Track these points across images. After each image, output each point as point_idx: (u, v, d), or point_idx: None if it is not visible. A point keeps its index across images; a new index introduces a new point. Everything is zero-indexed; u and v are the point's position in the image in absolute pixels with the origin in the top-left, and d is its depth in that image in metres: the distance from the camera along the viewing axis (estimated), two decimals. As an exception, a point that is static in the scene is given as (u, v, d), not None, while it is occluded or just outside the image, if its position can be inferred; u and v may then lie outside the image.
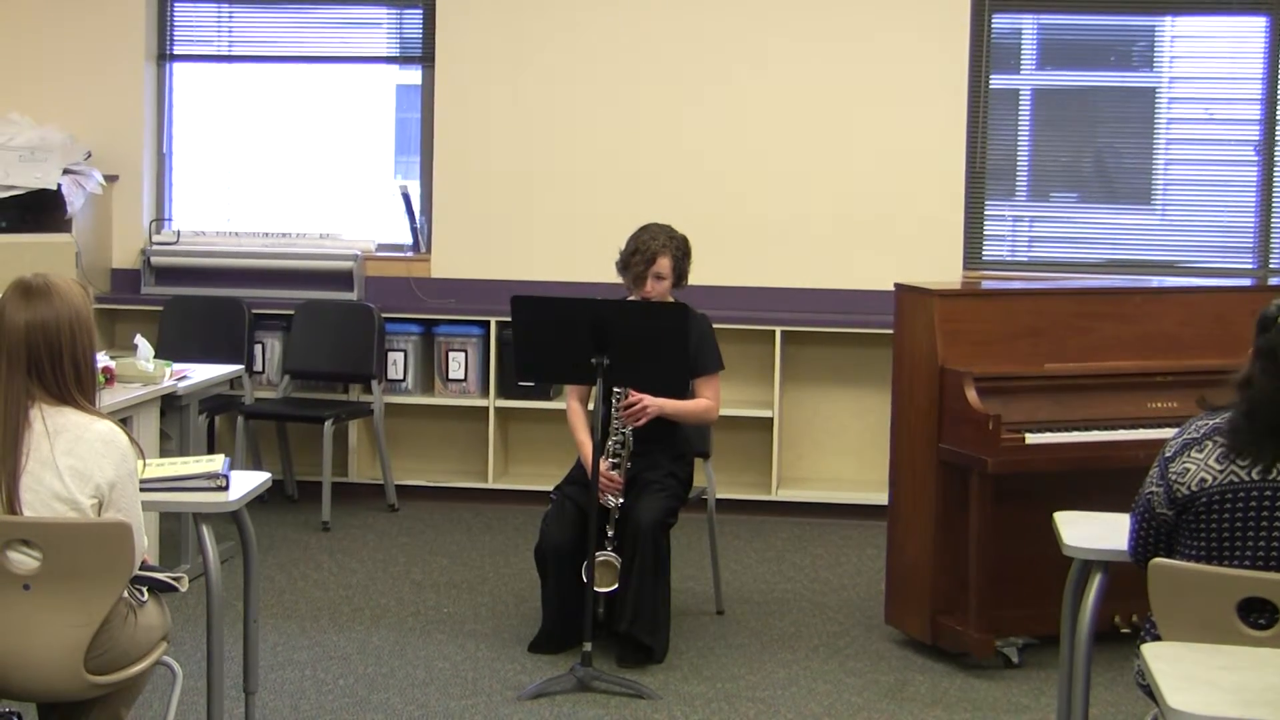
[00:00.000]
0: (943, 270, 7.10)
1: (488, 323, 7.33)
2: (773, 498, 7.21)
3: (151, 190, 7.80)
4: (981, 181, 7.39)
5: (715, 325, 5.51)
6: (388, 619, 5.60)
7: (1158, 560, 3.25)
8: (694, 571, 6.19)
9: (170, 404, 5.78)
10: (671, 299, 5.32)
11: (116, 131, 7.66)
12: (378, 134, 8.06)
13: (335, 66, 7.89)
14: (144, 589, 3.55)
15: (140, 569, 3.49)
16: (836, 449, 7.39)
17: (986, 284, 6.80)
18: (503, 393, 7.34)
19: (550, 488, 5.45)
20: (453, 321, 7.41)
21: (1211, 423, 3.33)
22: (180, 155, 7.95)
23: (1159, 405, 5.14)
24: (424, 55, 7.65)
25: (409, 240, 7.68)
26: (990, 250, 7.46)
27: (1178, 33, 7.59)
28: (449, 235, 7.58)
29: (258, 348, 7.45)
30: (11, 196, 7.09)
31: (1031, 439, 4.97)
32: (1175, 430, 3.43)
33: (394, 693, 4.84)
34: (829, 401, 7.37)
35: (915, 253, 7.17)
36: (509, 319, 5.43)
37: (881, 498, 5.81)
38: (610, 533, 5.14)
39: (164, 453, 5.83)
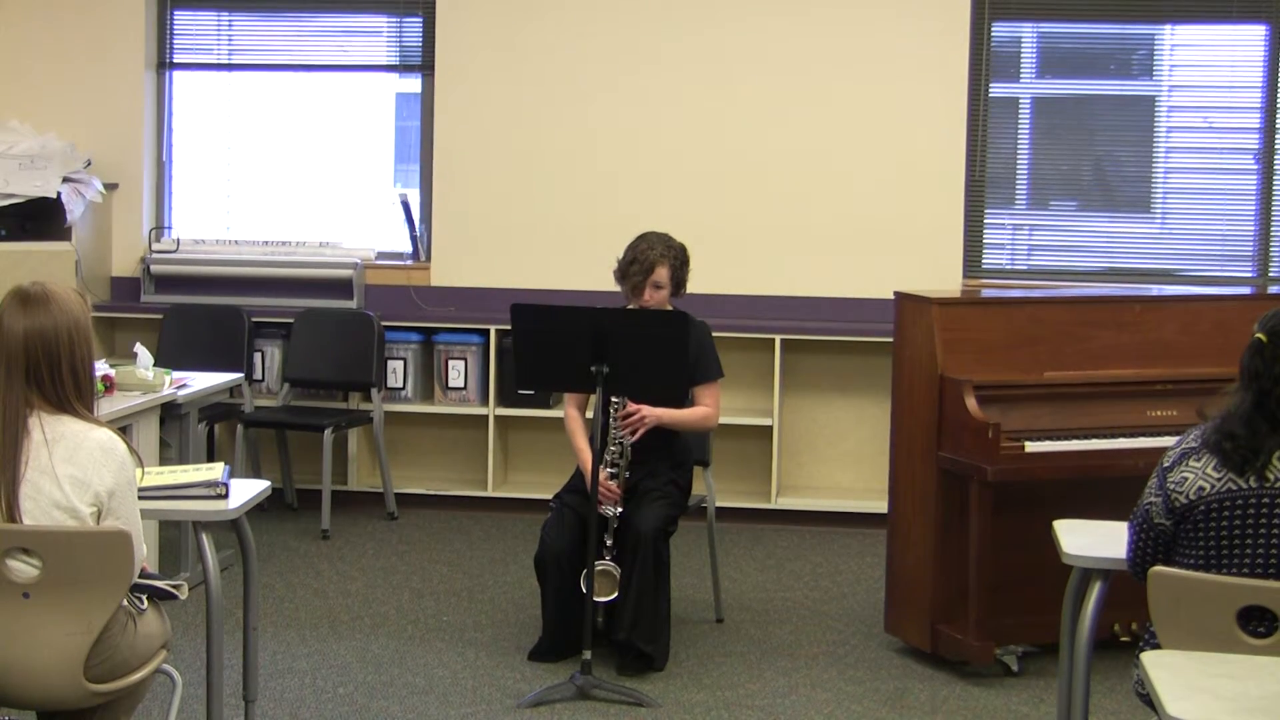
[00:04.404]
0: (942, 278, 7.11)
1: (487, 331, 7.32)
2: (772, 506, 7.21)
3: (151, 198, 7.80)
4: (981, 189, 7.39)
5: (715, 333, 5.51)
6: (387, 627, 5.60)
7: (1157, 569, 3.25)
8: (694, 580, 6.18)
9: (170, 412, 5.78)
10: (670, 307, 5.32)
11: (116, 140, 7.66)
12: (377, 142, 8.05)
13: (335, 75, 7.89)
14: (143, 597, 3.54)
15: (139, 577, 3.49)
16: (836, 457, 7.39)
17: (986, 292, 6.79)
18: (502, 401, 7.33)
19: (550, 496, 5.45)
20: (452, 330, 7.40)
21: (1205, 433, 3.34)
22: (180, 163, 7.95)
23: (1158, 414, 5.14)
24: (424, 64, 7.66)
25: (409, 248, 7.68)
26: (990, 258, 7.47)
27: (1177, 41, 7.59)
28: (448, 243, 7.58)
29: (257, 356, 7.45)
30: (11, 205, 7.09)
31: (1031, 447, 4.96)
32: (1175, 439, 3.44)
33: (393, 701, 4.84)
34: (829, 410, 7.36)
35: (915, 261, 7.17)
36: (509, 327, 5.43)
37: (881, 506, 5.81)
38: (609, 542, 5.14)
39: (164, 461, 5.84)
